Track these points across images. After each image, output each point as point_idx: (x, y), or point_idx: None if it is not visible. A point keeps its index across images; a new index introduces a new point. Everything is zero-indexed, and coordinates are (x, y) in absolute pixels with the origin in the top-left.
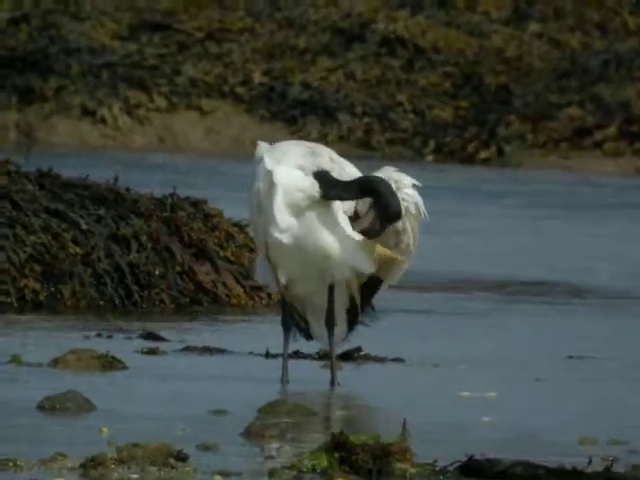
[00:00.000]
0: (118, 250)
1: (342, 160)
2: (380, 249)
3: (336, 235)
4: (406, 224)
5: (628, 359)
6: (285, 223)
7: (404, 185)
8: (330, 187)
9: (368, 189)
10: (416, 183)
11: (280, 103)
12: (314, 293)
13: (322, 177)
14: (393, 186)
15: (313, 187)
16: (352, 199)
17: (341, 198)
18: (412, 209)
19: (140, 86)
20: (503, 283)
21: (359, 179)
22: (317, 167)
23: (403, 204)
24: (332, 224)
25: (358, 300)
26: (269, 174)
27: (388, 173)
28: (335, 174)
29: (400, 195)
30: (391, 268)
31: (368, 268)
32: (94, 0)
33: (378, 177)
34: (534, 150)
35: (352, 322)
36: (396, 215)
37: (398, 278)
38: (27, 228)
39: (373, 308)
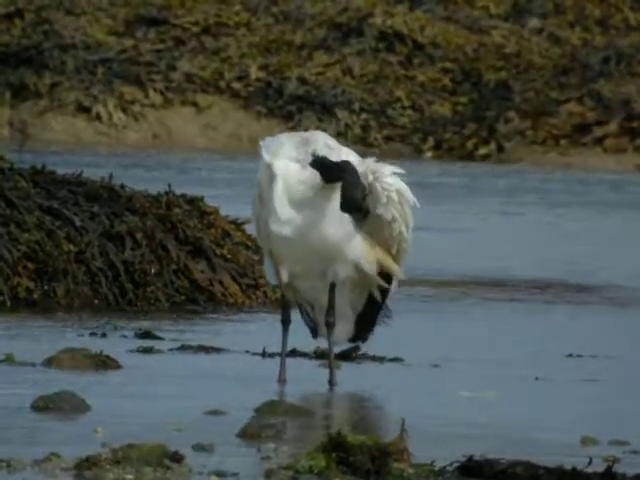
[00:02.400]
0: (112, 248)
1: (340, 146)
2: (381, 257)
3: (340, 228)
4: (393, 212)
5: (628, 358)
6: (286, 215)
7: (382, 175)
8: (325, 172)
9: (339, 175)
10: (397, 171)
11: (277, 99)
12: (317, 291)
13: (319, 164)
14: (370, 177)
15: (314, 177)
16: (339, 181)
17: (339, 179)
18: (394, 197)
19: (135, 82)
20: (502, 281)
21: (338, 163)
22: (311, 155)
23: (384, 194)
24: (335, 217)
25: (376, 294)
26: (268, 167)
27: (367, 164)
28: (333, 159)
29: (380, 185)
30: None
31: (368, 266)
32: None
33: (348, 165)
34: (534, 146)
35: (370, 323)
36: (350, 206)
37: (402, 270)
38: (21, 226)
39: (387, 308)
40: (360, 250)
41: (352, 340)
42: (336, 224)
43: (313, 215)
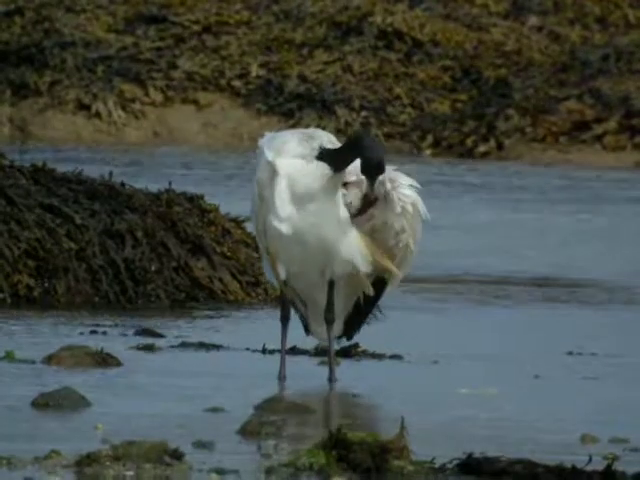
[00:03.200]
0: (113, 245)
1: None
2: (378, 256)
3: (338, 228)
4: (404, 223)
5: (628, 356)
6: (285, 212)
7: (400, 185)
8: (335, 159)
9: (352, 143)
10: (414, 184)
11: (277, 96)
12: (313, 288)
13: (325, 155)
14: (388, 185)
15: (320, 169)
16: (352, 160)
17: (348, 163)
18: (409, 209)
19: (136, 80)
20: (501, 279)
21: (347, 138)
22: (316, 149)
23: (399, 204)
24: (334, 216)
25: (361, 297)
26: (270, 165)
27: (387, 172)
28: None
29: (396, 195)
30: (391, 274)
31: (364, 266)
32: None
33: (362, 131)
34: (533, 144)
35: (358, 322)
36: (374, 161)
37: (400, 280)
38: (21, 223)
39: (379, 309)
40: (356, 249)
41: (338, 337)
42: (335, 223)
43: (313, 214)
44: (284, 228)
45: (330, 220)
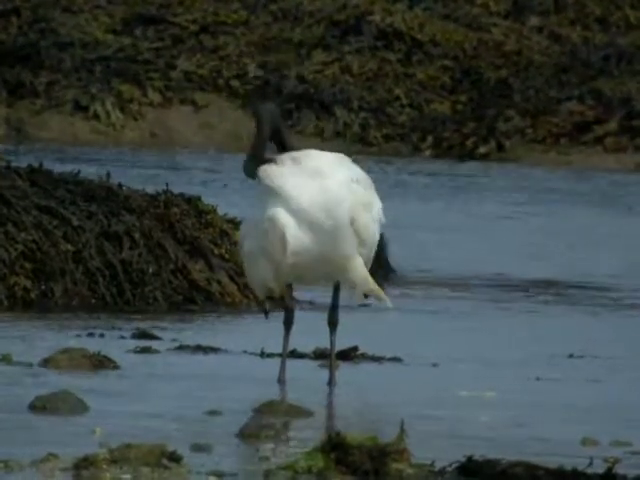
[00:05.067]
0: (110, 247)
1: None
2: (373, 286)
3: (349, 242)
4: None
5: (630, 358)
6: (298, 246)
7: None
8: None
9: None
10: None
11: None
12: (312, 280)
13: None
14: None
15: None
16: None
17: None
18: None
19: (134, 80)
20: (503, 281)
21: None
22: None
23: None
24: (346, 232)
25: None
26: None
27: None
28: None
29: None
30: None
31: (365, 285)
32: None
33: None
34: (534, 145)
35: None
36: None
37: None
38: (18, 225)
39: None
40: (365, 277)
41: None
42: (348, 238)
43: (331, 235)
44: (300, 259)
45: (347, 239)
